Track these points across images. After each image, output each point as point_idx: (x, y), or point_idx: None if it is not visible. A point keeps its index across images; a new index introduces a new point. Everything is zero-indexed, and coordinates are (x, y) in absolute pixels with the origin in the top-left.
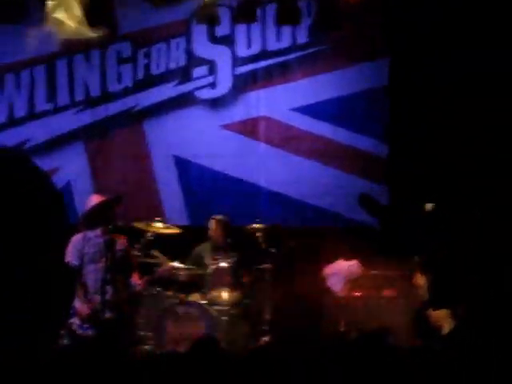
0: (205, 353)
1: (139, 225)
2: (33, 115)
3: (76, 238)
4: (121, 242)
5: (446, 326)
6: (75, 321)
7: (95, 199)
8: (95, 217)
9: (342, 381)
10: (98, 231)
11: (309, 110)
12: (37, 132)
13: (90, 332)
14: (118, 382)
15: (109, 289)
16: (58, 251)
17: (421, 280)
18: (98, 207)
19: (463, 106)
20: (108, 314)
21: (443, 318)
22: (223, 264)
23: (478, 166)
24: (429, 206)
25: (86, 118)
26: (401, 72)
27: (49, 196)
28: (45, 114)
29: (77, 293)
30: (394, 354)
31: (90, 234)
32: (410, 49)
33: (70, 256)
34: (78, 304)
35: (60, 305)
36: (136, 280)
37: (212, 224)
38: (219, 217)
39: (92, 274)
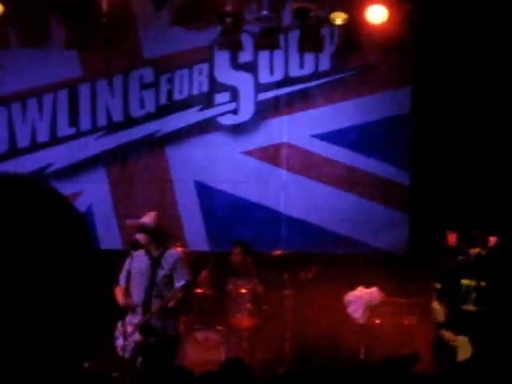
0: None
1: None
2: (55, 140)
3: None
4: (172, 254)
5: (463, 353)
6: (119, 342)
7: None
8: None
9: None
10: (143, 250)
11: (330, 137)
12: (59, 156)
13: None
14: None
15: (155, 302)
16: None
17: (436, 305)
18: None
19: (486, 132)
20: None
21: (459, 341)
22: (243, 290)
23: (503, 191)
24: None
25: (108, 142)
26: (423, 99)
27: (71, 220)
28: (67, 138)
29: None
30: (416, 382)
31: (136, 253)
32: (433, 76)
33: (120, 278)
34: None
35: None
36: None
37: (234, 248)
38: (241, 241)
39: (137, 290)
